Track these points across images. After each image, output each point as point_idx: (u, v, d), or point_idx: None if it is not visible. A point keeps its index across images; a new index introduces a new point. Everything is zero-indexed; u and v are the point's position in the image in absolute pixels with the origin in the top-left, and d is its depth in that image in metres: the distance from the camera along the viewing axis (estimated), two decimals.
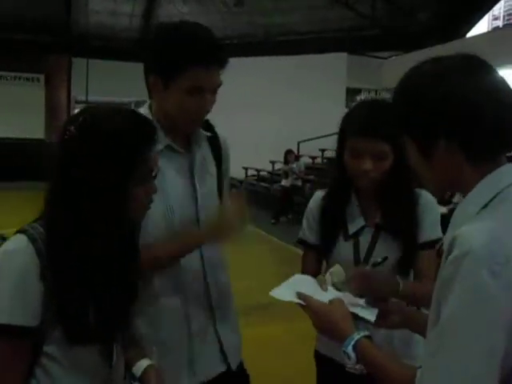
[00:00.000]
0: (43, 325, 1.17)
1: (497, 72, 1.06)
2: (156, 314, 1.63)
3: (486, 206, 0.99)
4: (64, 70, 18.54)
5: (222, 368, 1.75)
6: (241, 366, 1.86)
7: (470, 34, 15.82)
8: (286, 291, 1.39)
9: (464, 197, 1.05)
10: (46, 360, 1.22)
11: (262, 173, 15.54)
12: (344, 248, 1.74)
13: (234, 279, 1.83)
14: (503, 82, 1.05)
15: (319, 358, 1.86)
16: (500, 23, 17.57)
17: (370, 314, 1.38)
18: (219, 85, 1.60)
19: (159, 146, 1.49)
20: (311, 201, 1.87)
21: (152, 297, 1.62)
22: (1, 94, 17.55)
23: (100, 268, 1.22)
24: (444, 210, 7.06)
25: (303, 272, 1.78)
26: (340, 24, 16.57)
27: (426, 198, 1.73)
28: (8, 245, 1.20)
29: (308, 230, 1.84)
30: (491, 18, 17.57)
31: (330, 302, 1.29)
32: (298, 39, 17.25)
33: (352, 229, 1.74)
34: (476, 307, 0.89)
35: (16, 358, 1.18)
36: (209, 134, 1.75)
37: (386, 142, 1.60)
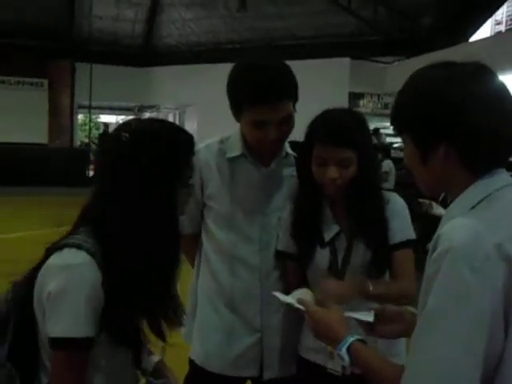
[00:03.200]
0: None
1: (503, 84, 1.06)
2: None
3: (473, 207, 1.01)
4: (67, 74, 18.59)
5: (253, 373, 1.81)
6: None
7: (472, 39, 15.83)
8: (287, 296, 1.46)
9: (451, 199, 1.08)
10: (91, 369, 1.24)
11: None
12: (321, 255, 1.73)
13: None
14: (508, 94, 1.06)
15: (300, 361, 1.83)
16: (503, 28, 17.61)
17: (369, 316, 1.39)
18: (284, 116, 1.68)
19: (235, 153, 1.78)
20: (284, 212, 1.82)
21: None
22: (4, 98, 17.60)
23: (148, 275, 1.24)
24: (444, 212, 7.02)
25: (289, 283, 1.80)
26: (342, 29, 16.60)
27: (395, 201, 1.75)
28: (67, 259, 1.19)
29: (282, 240, 1.82)
30: (494, 22, 17.60)
31: (329, 308, 1.31)
32: (301, 44, 17.27)
33: (328, 236, 1.73)
34: (457, 303, 0.90)
35: (78, 369, 1.21)
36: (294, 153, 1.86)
37: (350, 148, 1.62)
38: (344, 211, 1.75)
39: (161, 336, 1.33)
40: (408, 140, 1.10)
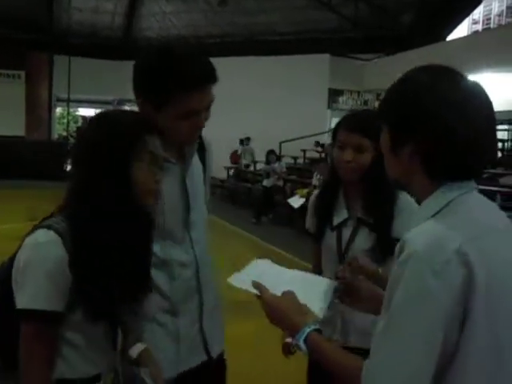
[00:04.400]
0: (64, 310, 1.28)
1: (481, 95, 1.10)
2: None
3: (437, 213, 1.06)
4: (45, 67, 18.39)
5: (204, 357, 1.81)
6: (221, 356, 1.92)
7: (450, 38, 16.05)
8: (245, 278, 1.40)
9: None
10: (62, 344, 1.32)
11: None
12: (330, 237, 1.94)
13: (214, 276, 1.88)
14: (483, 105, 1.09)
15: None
16: (479, 27, 17.87)
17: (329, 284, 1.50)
18: (211, 100, 1.57)
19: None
20: (311, 196, 2.12)
21: None
22: None
23: (117, 255, 1.32)
24: None
25: (315, 259, 2.04)
26: (323, 25, 16.69)
27: (404, 198, 1.89)
28: (36, 238, 1.28)
29: (309, 220, 2.08)
30: (471, 22, 17.86)
31: (283, 293, 1.30)
32: (281, 40, 17.34)
33: (336, 220, 1.94)
34: (418, 305, 0.96)
35: (49, 342, 1.28)
36: (198, 140, 1.76)
37: (366, 137, 1.82)
38: (356, 201, 1.92)
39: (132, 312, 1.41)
40: (385, 130, 1.16)
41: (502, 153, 12.23)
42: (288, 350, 1.86)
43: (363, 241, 1.87)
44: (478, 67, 12.97)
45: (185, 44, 1.62)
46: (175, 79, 1.47)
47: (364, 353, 1.29)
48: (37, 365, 1.27)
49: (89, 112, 28.08)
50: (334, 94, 16.94)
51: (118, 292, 1.34)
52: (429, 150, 1.06)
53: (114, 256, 1.30)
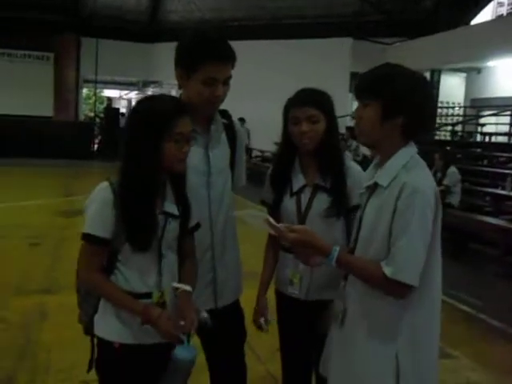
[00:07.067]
0: (116, 240, 1.79)
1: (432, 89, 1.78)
2: None
3: (405, 164, 1.67)
4: (73, 49, 18.79)
5: (212, 305, 2.15)
6: (234, 304, 2.26)
7: (474, 22, 15.94)
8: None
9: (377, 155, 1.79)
10: (119, 264, 1.83)
11: (265, 154, 15.83)
12: (289, 203, 2.20)
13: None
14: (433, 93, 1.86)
15: (277, 294, 2.33)
16: (504, 11, 17.66)
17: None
18: (229, 77, 2.01)
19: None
20: (268, 170, 2.33)
21: None
22: (11, 72, 17.89)
23: (149, 200, 1.80)
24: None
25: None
26: (346, 9, 16.70)
27: (354, 167, 2.20)
28: (98, 186, 1.83)
29: (265, 191, 2.31)
30: (496, 5, 17.66)
31: (299, 228, 1.76)
32: (304, 23, 17.40)
33: (295, 187, 2.19)
34: (424, 219, 1.60)
35: (95, 256, 1.83)
36: (225, 121, 2.19)
37: (317, 108, 2.10)
38: (311, 168, 2.18)
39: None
40: (375, 105, 1.66)
41: None
42: (259, 326, 2.28)
43: (320, 203, 2.13)
44: (501, 52, 12.94)
45: (212, 28, 2.09)
46: (204, 52, 1.94)
47: (323, 304, 1.96)
48: (89, 272, 1.83)
49: (113, 93, 28.58)
50: (355, 78, 16.96)
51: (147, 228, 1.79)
52: (409, 121, 1.65)
53: (139, 202, 1.78)
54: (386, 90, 1.65)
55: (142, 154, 1.75)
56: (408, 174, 1.63)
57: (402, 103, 1.63)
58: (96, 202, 1.80)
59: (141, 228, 1.78)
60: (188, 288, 1.85)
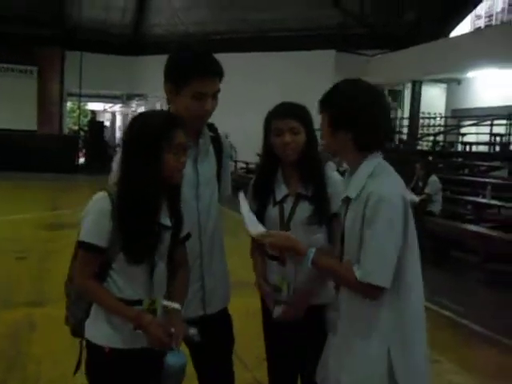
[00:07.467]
0: (111, 249, 1.82)
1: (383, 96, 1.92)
2: None
3: (371, 174, 1.76)
4: (57, 62, 18.81)
5: (201, 312, 2.20)
6: (222, 311, 2.31)
7: (453, 34, 16.23)
8: (253, 224, 1.99)
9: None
10: (112, 272, 1.87)
11: (250, 165, 15.92)
12: (272, 211, 2.26)
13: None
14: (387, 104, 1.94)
15: (263, 300, 2.35)
16: (482, 23, 17.98)
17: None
18: (218, 91, 2.08)
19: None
20: (251, 181, 2.39)
21: None
22: None
23: (150, 212, 1.84)
24: (416, 199, 7.54)
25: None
26: (329, 22, 16.89)
27: (334, 177, 2.26)
28: (96, 196, 1.86)
29: (249, 201, 2.30)
30: (474, 18, 17.98)
31: (280, 233, 1.98)
32: (287, 36, 17.57)
33: (278, 197, 2.26)
34: (391, 224, 1.68)
35: (90, 264, 1.86)
36: (212, 134, 2.26)
37: (297, 121, 2.18)
38: (293, 178, 2.25)
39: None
40: (326, 117, 1.80)
41: (500, 147, 12.50)
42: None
43: (303, 212, 2.21)
44: (479, 63, 13.19)
45: (196, 42, 2.16)
46: (193, 68, 2.00)
47: (309, 309, 2.14)
48: (84, 278, 1.86)
49: (98, 106, 28.51)
50: None
51: (143, 240, 1.83)
52: (359, 134, 1.76)
53: (140, 214, 1.82)
54: (333, 104, 1.80)
55: (143, 165, 1.79)
56: (373, 183, 1.73)
57: (350, 118, 1.75)
58: (93, 213, 1.83)
59: (137, 241, 1.81)
60: (177, 306, 1.89)
